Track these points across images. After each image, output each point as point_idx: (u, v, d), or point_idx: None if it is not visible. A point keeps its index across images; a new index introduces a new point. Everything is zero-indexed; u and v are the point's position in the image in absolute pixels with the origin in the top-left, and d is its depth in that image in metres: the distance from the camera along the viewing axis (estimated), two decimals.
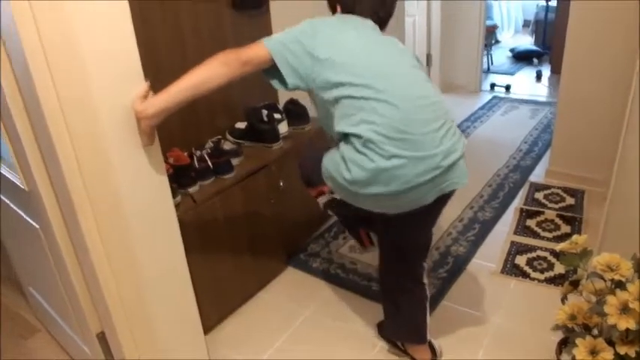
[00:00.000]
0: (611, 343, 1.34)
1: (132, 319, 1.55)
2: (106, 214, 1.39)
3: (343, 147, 1.46)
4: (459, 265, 2.42)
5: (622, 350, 1.31)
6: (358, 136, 1.40)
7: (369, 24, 1.58)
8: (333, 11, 1.67)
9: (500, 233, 2.68)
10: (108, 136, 1.33)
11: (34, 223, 1.66)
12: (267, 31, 2.51)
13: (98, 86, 1.28)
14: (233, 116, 2.42)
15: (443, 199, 1.56)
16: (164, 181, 1.53)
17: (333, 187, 1.58)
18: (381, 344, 2.02)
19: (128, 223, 1.44)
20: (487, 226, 2.74)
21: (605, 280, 1.41)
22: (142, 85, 1.38)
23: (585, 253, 1.48)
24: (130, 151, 1.40)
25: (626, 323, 1.26)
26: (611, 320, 1.29)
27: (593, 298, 1.44)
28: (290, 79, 1.49)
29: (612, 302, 1.31)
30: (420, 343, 1.86)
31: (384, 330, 2.02)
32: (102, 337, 1.66)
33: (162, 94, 1.38)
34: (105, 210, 1.39)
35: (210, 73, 1.41)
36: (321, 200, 1.86)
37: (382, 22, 1.63)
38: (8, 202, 1.83)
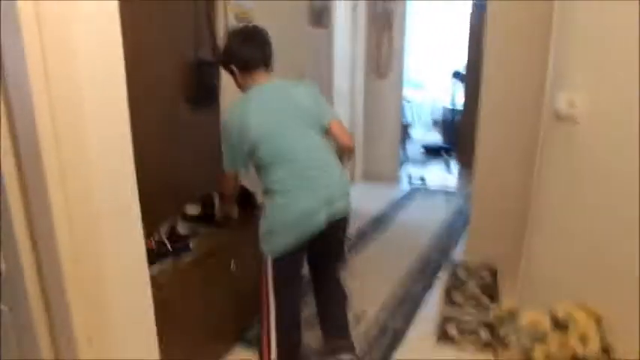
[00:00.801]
0: None
1: None
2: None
3: (264, 198, 2.07)
4: (397, 337, 2.62)
5: None
6: (270, 187, 2.01)
7: (265, 89, 2.05)
8: (231, 73, 2.11)
9: (430, 306, 2.95)
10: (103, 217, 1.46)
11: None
12: (216, 124, 2.74)
13: (99, 182, 1.44)
14: (183, 201, 2.55)
15: (336, 226, 2.09)
16: (143, 255, 1.65)
17: (260, 235, 2.06)
18: None
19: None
20: (418, 301, 3.01)
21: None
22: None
23: (514, 313, 1.75)
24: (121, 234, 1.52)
25: None
26: None
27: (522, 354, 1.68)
28: (244, 165, 2.10)
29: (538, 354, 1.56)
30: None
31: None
32: None
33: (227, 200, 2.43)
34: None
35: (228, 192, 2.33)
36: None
37: (270, 63, 2.12)
38: None
